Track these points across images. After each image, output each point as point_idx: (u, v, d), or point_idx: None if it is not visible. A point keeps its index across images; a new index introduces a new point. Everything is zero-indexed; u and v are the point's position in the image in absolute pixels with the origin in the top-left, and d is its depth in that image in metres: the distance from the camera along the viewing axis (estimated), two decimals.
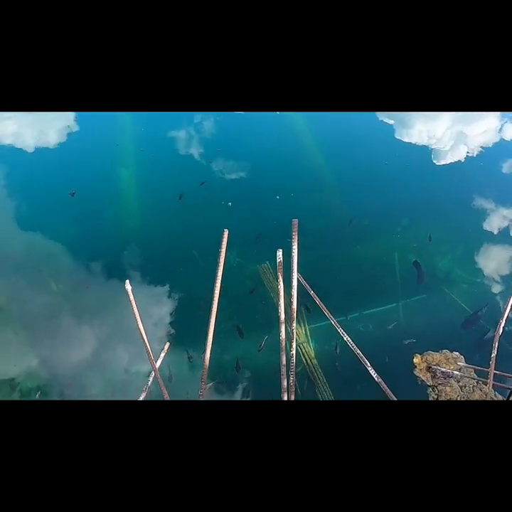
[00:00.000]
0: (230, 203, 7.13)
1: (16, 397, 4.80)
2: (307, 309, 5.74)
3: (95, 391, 4.98)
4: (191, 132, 8.88)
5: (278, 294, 2.67)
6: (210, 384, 4.74)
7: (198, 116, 9.13)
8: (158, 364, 4.01)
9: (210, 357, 2.91)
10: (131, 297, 3.10)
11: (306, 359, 5.41)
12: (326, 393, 5.11)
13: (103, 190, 7.56)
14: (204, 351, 2.79)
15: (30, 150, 8.27)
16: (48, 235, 6.69)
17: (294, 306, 2.67)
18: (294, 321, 2.69)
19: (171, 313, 5.91)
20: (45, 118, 8.92)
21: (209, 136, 8.78)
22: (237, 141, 8.62)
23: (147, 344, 3.06)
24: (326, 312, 3.16)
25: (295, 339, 2.73)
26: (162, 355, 3.86)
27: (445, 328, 5.61)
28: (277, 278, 2.65)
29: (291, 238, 2.36)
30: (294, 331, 2.74)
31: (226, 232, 2.50)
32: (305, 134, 8.90)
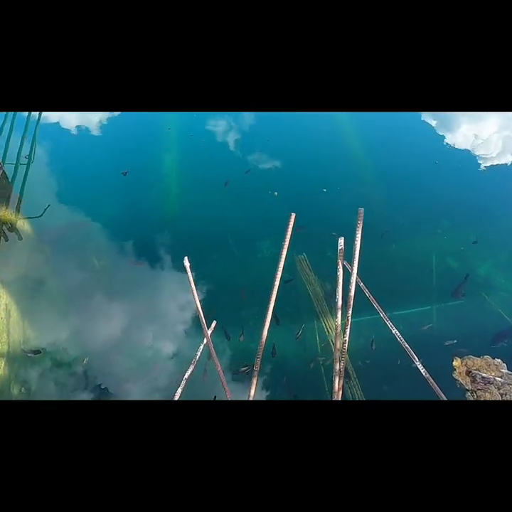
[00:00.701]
0: (276, 193, 7.17)
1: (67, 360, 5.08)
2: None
3: (122, 365, 5.21)
4: (234, 126, 8.94)
5: (337, 282, 2.71)
6: (246, 368, 4.86)
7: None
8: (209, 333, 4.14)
9: (264, 341, 3.00)
10: (189, 273, 3.25)
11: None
12: (354, 389, 5.14)
13: (148, 171, 7.72)
14: (260, 337, 2.86)
15: (77, 130, 8.52)
16: (92, 211, 6.91)
17: (352, 293, 2.71)
18: (351, 308, 2.73)
19: (202, 298, 6.03)
20: None
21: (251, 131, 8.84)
22: (282, 138, 8.62)
23: (202, 317, 3.19)
24: (376, 305, 3.19)
25: (349, 329, 2.77)
26: (209, 332, 3.97)
27: (482, 336, 5.51)
28: (337, 265, 2.69)
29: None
30: (349, 319, 2.77)
31: (293, 216, 2.56)
32: (348, 132, 8.82)
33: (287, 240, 2.52)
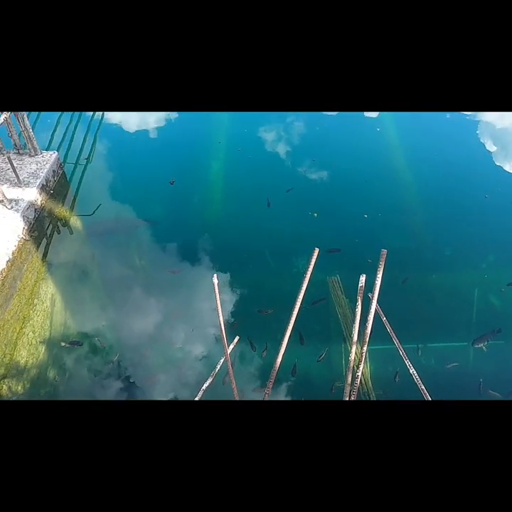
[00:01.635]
0: (315, 214, 7.20)
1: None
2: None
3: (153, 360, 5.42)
4: (284, 135, 9.03)
5: (355, 317, 2.72)
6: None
7: (290, 117, 9.30)
8: (229, 349, 4.26)
9: (282, 358, 3.05)
10: (216, 290, 3.39)
11: (361, 380, 5.36)
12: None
13: (195, 177, 7.99)
14: (278, 352, 2.91)
15: (136, 133, 9.00)
16: (139, 212, 7.28)
17: (368, 330, 2.70)
18: (366, 345, 2.73)
19: (233, 305, 6.14)
20: None
21: (301, 140, 8.89)
22: (327, 149, 8.61)
23: (223, 333, 3.31)
24: (395, 339, 3.14)
25: (364, 362, 2.76)
26: (231, 346, 4.10)
27: None
28: (356, 301, 2.69)
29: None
30: (364, 354, 2.77)
31: (316, 251, 2.60)
32: (399, 153, 8.63)
33: (310, 269, 2.56)
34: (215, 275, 3.56)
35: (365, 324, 2.80)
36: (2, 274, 5.66)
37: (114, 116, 9.17)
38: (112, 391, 5.05)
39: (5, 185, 5.69)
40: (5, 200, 5.86)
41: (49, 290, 6.30)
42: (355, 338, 2.73)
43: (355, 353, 2.79)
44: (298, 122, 9.37)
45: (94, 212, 7.21)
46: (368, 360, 5.49)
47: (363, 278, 2.66)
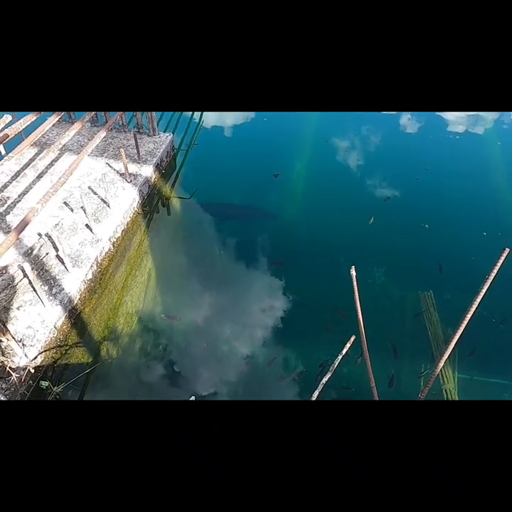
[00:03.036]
0: (426, 225, 7.14)
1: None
2: None
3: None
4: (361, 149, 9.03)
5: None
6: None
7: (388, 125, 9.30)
8: (344, 351, 4.32)
9: (442, 366, 3.05)
10: (354, 282, 3.46)
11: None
12: None
13: (281, 174, 8.10)
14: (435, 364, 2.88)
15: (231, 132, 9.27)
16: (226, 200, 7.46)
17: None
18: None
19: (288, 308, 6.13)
20: None
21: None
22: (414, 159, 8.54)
23: (362, 329, 3.33)
24: None
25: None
26: (347, 345, 4.15)
27: None
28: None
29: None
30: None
31: (506, 251, 2.60)
32: (490, 169, 8.42)
33: (493, 273, 2.55)
34: (352, 267, 3.64)
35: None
36: (117, 242, 5.98)
37: (212, 115, 9.44)
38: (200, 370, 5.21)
39: (126, 160, 6.01)
40: (127, 174, 6.19)
41: (148, 264, 6.58)
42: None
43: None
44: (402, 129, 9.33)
45: (191, 196, 7.47)
46: (456, 387, 5.37)
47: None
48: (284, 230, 7.11)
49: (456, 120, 9.68)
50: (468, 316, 2.83)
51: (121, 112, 6.26)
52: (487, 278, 2.73)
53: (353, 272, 3.73)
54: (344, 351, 4.22)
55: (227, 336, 5.71)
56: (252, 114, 9.62)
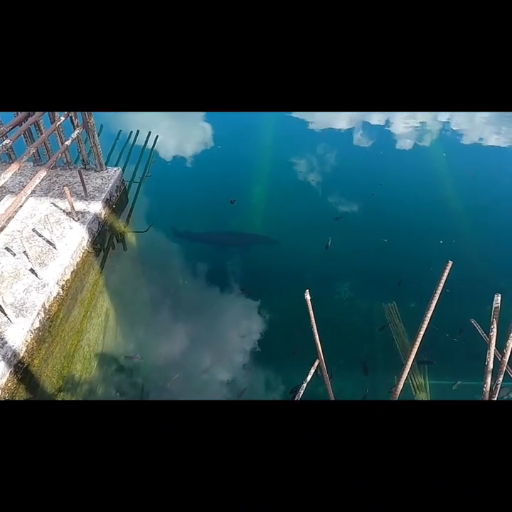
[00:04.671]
0: (385, 240, 7.19)
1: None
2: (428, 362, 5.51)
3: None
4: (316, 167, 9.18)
5: (489, 342, 2.62)
6: None
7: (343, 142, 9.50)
8: (308, 378, 4.14)
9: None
10: (309, 305, 3.34)
11: None
12: None
13: (238, 200, 8.06)
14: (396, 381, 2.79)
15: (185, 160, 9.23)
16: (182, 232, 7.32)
17: (506, 358, 2.59)
18: (502, 376, 2.60)
19: (262, 331, 6.03)
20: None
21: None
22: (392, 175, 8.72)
23: (320, 349, 3.19)
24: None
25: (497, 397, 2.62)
26: (312, 370, 3.98)
27: None
28: (491, 324, 2.60)
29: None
30: (499, 388, 2.63)
31: (450, 264, 2.55)
32: (447, 176, 8.70)
33: (439, 287, 2.48)
34: (307, 290, 3.53)
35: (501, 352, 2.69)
36: (67, 284, 5.65)
37: (166, 138, 9.45)
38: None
39: (73, 198, 5.78)
40: (73, 212, 5.93)
41: (104, 304, 6.27)
42: (490, 366, 2.61)
43: (489, 386, 2.64)
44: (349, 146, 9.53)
45: (147, 229, 7.27)
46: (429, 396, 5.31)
47: (498, 297, 2.58)
48: (248, 255, 7.03)
49: (404, 133, 10.03)
50: (422, 332, 2.75)
51: (64, 149, 6.05)
52: (434, 292, 2.67)
53: (307, 296, 3.61)
54: (308, 377, 4.04)
55: (195, 369, 5.46)
56: (207, 141, 9.62)
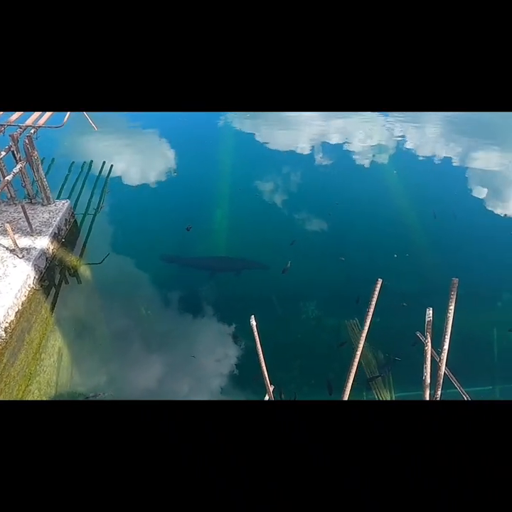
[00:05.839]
0: (342, 258, 7.23)
1: None
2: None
3: None
4: (281, 186, 9.28)
5: (425, 356, 2.56)
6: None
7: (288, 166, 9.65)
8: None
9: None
10: (255, 331, 3.22)
11: None
12: None
13: (199, 225, 7.99)
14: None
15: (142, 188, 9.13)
16: (143, 260, 7.16)
17: (442, 371, 2.53)
18: (440, 388, 2.54)
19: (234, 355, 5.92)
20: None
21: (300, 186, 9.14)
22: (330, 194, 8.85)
23: (265, 375, 3.07)
24: (455, 382, 2.95)
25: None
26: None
27: None
28: (425, 338, 2.55)
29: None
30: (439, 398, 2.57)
31: (380, 281, 2.51)
32: (398, 193, 8.93)
33: (372, 305, 2.43)
34: (252, 316, 3.42)
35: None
36: (11, 326, 5.34)
37: (121, 167, 9.33)
38: None
39: (17, 235, 5.55)
40: (17, 249, 5.68)
41: (57, 344, 5.95)
42: (428, 380, 2.55)
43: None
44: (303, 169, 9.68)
45: (102, 260, 7.05)
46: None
47: (429, 311, 2.55)
48: (217, 279, 6.88)
49: (361, 152, 10.30)
50: (358, 353, 2.68)
51: (5, 184, 5.83)
52: (368, 311, 2.62)
53: (253, 322, 3.49)
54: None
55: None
56: (164, 168, 9.55)
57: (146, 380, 5.54)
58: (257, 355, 3.44)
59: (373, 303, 2.60)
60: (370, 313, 2.63)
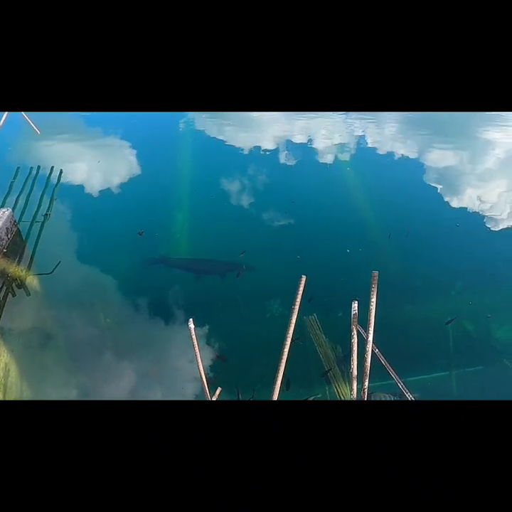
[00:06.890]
0: (298, 256, 7.24)
1: None
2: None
3: None
4: (248, 185, 9.24)
5: (351, 348, 2.55)
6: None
7: (253, 167, 9.60)
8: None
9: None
10: (193, 335, 3.13)
11: None
12: None
13: (159, 229, 7.85)
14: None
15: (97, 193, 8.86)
16: (102, 268, 6.95)
17: (368, 362, 2.53)
18: (367, 379, 2.54)
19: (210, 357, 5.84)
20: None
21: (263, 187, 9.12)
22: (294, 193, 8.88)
23: (204, 380, 2.99)
24: (392, 372, 2.97)
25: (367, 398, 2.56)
26: (214, 399, 3.77)
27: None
28: (351, 331, 2.55)
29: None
30: (366, 390, 2.57)
31: (304, 278, 2.48)
32: (356, 192, 9.06)
33: (297, 301, 2.40)
34: (190, 319, 3.33)
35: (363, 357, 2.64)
36: None
37: (71, 174, 9.02)
38: None
39: None
40: None
41: (2, 359, 5.66)
42: (355, 372, 2.54)
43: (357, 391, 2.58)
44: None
45: (53, 270, 6.77)
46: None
47: (355, 304, 2.54)
48: (170, 284, 6.72)
49: (322, 150, 10.38)
50: (286, 349, 2.65)
51: None
52: (293, 308, 2.59)
53: (191, 325, 3.40)
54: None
55: None
56: (119, 171, 9.31)
57: (109, 390, 5.35)
58: (196, 360, 3.35)
59: (298, 299, 2.57)
60: (296, 310, 2.60)
